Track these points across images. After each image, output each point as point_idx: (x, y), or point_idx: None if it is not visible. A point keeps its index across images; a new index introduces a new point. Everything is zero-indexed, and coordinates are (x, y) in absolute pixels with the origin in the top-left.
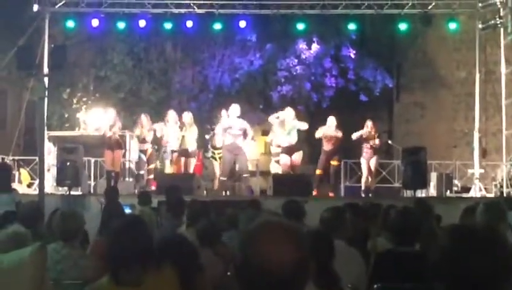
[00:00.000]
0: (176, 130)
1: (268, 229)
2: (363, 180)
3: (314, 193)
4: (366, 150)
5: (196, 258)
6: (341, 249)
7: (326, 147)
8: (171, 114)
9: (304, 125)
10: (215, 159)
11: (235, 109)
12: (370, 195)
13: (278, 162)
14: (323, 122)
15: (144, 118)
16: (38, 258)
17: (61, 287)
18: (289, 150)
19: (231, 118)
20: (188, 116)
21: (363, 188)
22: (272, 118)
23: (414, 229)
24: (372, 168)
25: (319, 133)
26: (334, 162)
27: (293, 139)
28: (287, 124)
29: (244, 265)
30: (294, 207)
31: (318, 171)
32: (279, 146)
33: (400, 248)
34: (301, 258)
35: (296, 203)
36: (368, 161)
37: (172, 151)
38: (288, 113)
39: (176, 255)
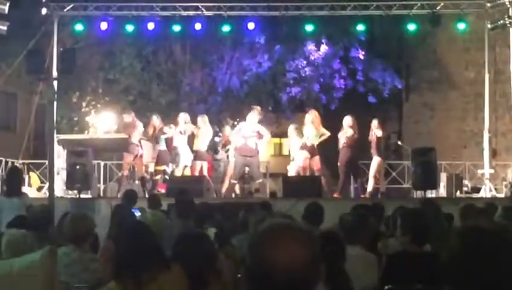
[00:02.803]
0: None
1: (278, 231)
2: (373, 180)
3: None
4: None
5: (215, 257)
6: (357, 254)
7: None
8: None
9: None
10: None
11: (252, 115)
12: (379, 196)
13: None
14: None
15: (156, 119)
16: (49, 261)
17: None
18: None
19: (246, 122)
20: (202, 119)
21: (370, 189)
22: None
23: (425, 230)
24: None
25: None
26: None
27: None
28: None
29: (253, 267)
30: (315, 209)
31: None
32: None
33: (411, 249)
34: (311, 260)
35: (317, 205)
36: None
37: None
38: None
39: (195, 251)
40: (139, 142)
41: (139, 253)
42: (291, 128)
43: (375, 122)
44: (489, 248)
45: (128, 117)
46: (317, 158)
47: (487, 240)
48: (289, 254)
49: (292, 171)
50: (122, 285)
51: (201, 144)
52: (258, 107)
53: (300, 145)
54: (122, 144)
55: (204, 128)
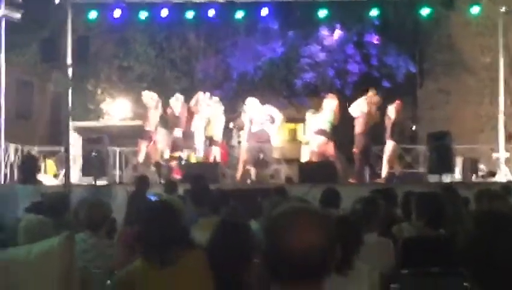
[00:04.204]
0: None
1: (294, 214)
2: (388, 165)
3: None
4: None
5: (250, 252)
6: (374, 241)
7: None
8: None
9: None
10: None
11: (252, 102)
12: (394, 181)
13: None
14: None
15: (174, 102)
16: (67, 247)
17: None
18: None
19: (253, 110)
20: (216, 105)
21: (385, 174)
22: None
23: (440, 214)
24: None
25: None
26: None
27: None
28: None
29: (270, 251)
30: (332, 195)
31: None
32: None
33: (426, 233)
34: (327, 244)
35: (334, 191)
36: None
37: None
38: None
39: (237, 241)
40: (155, 128)
41: (166, 232)
42: (309, 114)
43: (390, 107)
44: (505, 231)
45: (149, 96)
46: (331, 144)
47: (503, 224)
48: (305, 238)
49: (305, 156)
50: (148, 264)
51: (215, 130)
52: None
53: (317, 130)
54: (137, 131)
55: (219, 115)
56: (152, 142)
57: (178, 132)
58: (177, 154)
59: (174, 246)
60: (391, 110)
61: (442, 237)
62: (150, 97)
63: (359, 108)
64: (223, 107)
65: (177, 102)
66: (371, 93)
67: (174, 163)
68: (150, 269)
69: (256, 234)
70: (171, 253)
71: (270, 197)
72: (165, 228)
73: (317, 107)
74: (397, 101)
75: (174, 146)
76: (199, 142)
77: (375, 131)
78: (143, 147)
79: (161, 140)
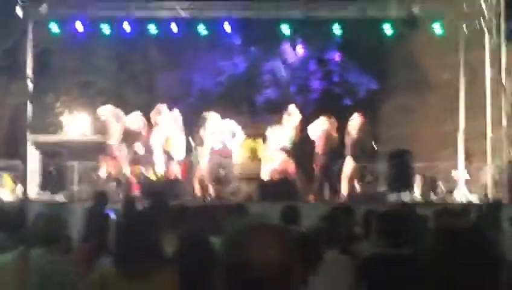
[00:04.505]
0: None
1: (253, 231)
2: (348, 183)
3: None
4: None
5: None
6: (334, 257)
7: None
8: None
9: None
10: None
11: (212, 116)
12: (354, 199)
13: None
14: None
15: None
16: (22, 263)
17: None
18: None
19: (214, 124)
20: (175, 120)
21: (345, 192)
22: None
23: (399, 232)
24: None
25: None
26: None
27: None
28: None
29: (228, 266)
30: (292, 212)
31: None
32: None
33: (386, 252)
34: (286, 260)
35: (294, 209)
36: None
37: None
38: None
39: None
40: (116, 143)
41: (141, 242)
42: (270, 130)
43: (350, 123)
44: (466, 248)
45: (105, 110)
46: (292, 161)
47: (464, 241)
48: (264, 254)
49: (266, 173)
50: (120, 274)
51: (175, 146)
52: None
53: (278, 147)
54: (97, 145)
55: (178, 130)
56: (113, 158)
57: (138, 147)
58: (137, 169)
59: (147, 260)
60: (352, 126)
61: (403, 255)
62: (107, 111)
63: (319, 127)
64: (181, 123)
65: (135, 118)
66: (324, 118)
67: (134, 179)
68: (121, 279)
69: (216, 251)
70: (144, 266)
71: (229, 214)
72: (141, 239)
73: (278, 124)
74: (358, 115)
75: (135, 161)
76: (158, 157)
77: (336, 148)
78: (104, 162)
79: (122, 155)
